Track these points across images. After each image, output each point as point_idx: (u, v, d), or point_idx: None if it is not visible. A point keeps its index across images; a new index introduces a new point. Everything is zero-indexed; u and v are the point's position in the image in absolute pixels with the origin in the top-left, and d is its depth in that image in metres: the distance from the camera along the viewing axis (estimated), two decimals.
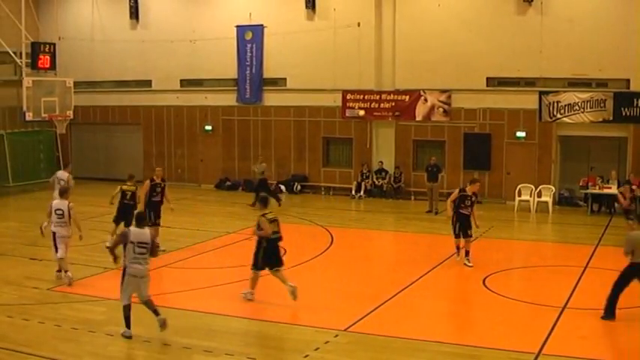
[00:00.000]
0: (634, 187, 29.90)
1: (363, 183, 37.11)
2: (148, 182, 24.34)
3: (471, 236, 22.39)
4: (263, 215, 18.44)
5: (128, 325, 15.62)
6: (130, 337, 15.53)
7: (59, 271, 20.33)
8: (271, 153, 39.69)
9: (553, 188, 33.50)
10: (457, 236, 22.46)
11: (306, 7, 37.68)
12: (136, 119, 43.00)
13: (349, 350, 15.01)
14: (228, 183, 40.36)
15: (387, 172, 37.23)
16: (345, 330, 16.06)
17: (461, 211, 22.21)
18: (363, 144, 37.84)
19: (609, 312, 16.56)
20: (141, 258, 15.50)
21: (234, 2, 40.08)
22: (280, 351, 14.93)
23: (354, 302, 18.46)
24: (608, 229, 28.79)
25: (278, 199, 33.05)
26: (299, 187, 38.74)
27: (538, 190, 33.32)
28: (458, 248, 22.63)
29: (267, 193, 19.29)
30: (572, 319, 16.94)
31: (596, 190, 32.11)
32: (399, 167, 36.90)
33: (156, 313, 15.69)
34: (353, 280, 21.19)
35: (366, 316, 17.17)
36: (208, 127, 41.25)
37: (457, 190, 22.64)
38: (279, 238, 18.69)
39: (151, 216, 23.56)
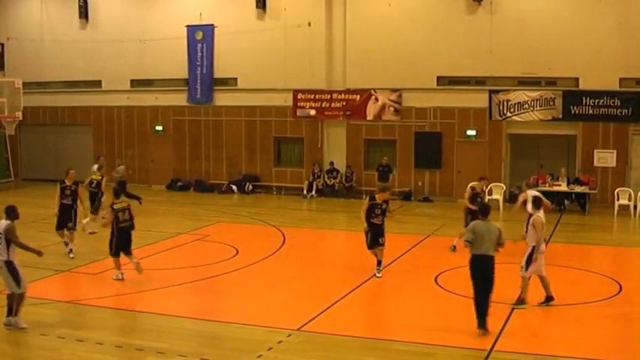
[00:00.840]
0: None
1: (314, 182, 37.14)
2: (57, 185, 23.89)
3: (382, 244, 21.14)
4: (111, 205, 20.60)
5: (8, 314, 16.36)
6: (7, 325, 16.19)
7: None
8: (222, 153, 39.64)
9: (503, 186, 33.71)
10: (370, 247, 21.17)
11: (257, 6, 37.62)
12: (86, 120, 42.64)
13: (302, 350, 15.01)
14: (179, 183, 40.20)
15: (338, 171, 37.29)
16: (298, 329, 16.06)
17: (372, 220, 21.02)
18: (314, 143, 37.89)
19: (482, 318, 15.73)
20: None
21: (185, 2, 39.92)
22: (233, 351, 14.88)
23: (307, 302, 18.47)
24: (558, 226, 29.05)
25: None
26: (250, 187, 38.66)
27: (489, 188, 33.53)
28: (380, 262, 21.20)
29: (124, 193, 20.63)
30: (524, 316, 17.09)
31: (546, 188, 32.35)
32: (351, 166, 36.99)
33: (15, 312, 16.27)
34: (305, 279, 21.19)
35: (318, 315, 17.18)
36: (159, 128, 41.06)
37: (367, 199, 21.57)
38: (131, 226, 20.76)
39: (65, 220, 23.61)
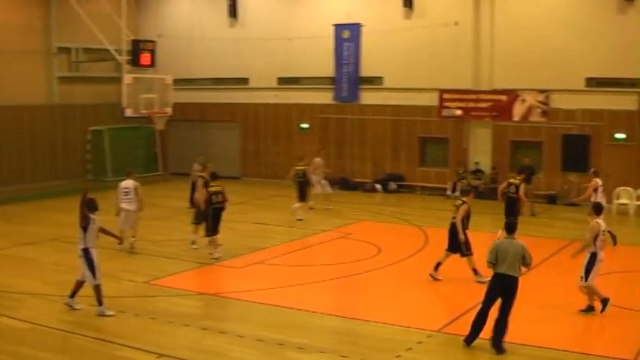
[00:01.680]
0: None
1: (458, 183, 36.81)
2: (200, 180, 24.84)
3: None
4: (206, 187, 23.12)
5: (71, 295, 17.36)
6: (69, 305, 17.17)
7: (120, 243, 21.15)
8: (367, 151, 39.73)
9: None
10: (469, 254, 20.87)
11: (404, 5, 37.56)
12: (232, 116, 43.41)
13: (442, 352, 14.95)
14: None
15: (483, 172, 36.91)
16: (437, 331, 16.00)
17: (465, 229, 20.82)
18: (459, 144, 37.60)
19: (472, 334, 15.16)
20: None
21: (332, 1, 40.22)
22: (372, 350, 14.92)
23: (448, 303, 18.40)
24: None
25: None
26: (394, 186, 38.61)
27: (638, 193, 32.67)
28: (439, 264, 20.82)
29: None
30: None
31: None
32: (496, 168, 36.55)
33: (99, 301, 16.93)
34: (446, 280, 20.93)
35: (459, 317, 17.04)
36: (305, 125, 41.45)
37: (463, 204, 20.83)
38: (222, 208, 22.76)
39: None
